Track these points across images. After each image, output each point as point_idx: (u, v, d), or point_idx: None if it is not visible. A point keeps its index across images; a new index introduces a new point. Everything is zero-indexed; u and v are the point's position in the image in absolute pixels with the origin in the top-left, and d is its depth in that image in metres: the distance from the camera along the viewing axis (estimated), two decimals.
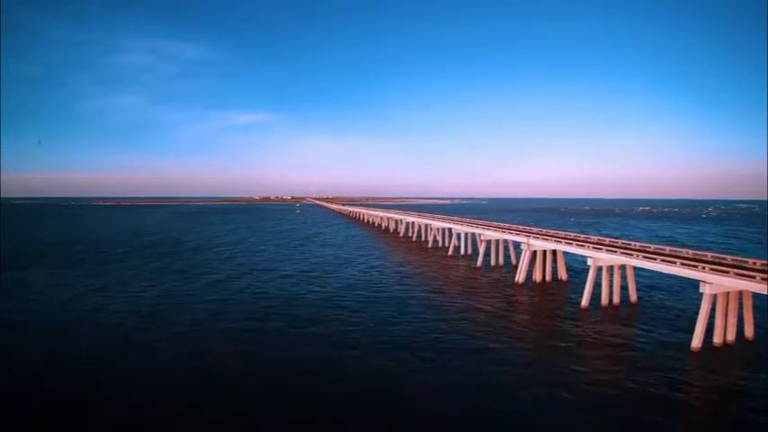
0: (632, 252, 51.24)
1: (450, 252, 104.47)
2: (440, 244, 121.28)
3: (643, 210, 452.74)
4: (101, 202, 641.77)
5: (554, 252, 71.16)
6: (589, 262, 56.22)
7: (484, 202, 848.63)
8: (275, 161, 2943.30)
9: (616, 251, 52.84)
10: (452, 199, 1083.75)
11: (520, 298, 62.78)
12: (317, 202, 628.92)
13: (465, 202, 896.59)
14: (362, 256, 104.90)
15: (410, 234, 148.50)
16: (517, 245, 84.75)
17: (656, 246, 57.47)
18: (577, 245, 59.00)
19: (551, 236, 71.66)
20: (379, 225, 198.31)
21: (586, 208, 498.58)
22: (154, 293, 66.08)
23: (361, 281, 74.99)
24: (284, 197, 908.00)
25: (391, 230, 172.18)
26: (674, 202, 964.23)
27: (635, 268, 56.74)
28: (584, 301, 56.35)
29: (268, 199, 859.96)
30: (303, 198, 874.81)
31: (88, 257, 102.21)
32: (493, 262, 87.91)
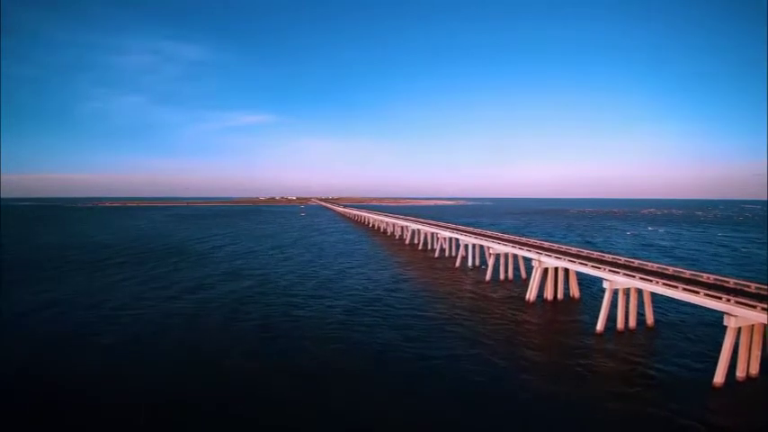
0: (652, 278, 49.38)
1: (457, 263, 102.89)
2: (447, 254, 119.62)
3: (647, 212, 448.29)
4: (107, 203, 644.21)
5: (566, 269, 69.39)
6: (605, 285, 54.52)
7: (488, 203, 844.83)
8: (280, 162, 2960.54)
9: (634, 276, 51.05)
10: (457, 200, 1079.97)
11: (531, 319, 61.09)
12: (322, 203, 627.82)
13: (470, 202, 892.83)
14: (365, 265, 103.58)
15: (416, 242, 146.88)
16: (527, 259, 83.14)
17: (675, 269, 55.55)
18: (593, 266, 57.22)
19: (563, 253, 69.92)
20: (385, 231, 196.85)
21: (589, 209, 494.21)
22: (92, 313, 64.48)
23: (359, 294, 73.85)
24: (289, 198, 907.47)
25: (397, 237, 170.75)
26: (680, 202, 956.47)
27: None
28: (600, 326, 54.61)
29: (273, 200, 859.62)
30: (308, 199, 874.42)
31: (61, 267, 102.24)
32: (502, 276, 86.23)
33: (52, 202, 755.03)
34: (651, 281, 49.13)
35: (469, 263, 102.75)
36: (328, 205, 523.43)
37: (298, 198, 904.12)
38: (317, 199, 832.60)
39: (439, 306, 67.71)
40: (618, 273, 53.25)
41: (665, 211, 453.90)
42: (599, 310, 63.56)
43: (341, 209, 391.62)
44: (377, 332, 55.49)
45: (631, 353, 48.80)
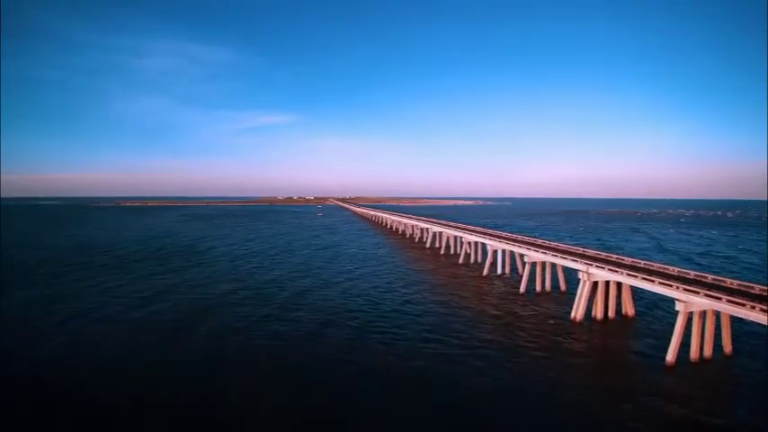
0: (744, 301, 39.21)
1: (485, 272, 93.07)
2: (472, 260, 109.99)
3: (673, 212, 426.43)
4: (128, 203, 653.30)
5: (619, 282, 59.23)
6: (678, 307, 44.52)
7: (507, 203, 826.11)
8: (298, 161, 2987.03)
9: (720, 298, 40.89)
10: (476, 200, 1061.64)
11: (581, 345, 51.24)
12: (340, 203, 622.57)
13: (489, 203, 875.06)
14: (377, 271, 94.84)
15: (437, 246, 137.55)
16: (568, 269, 73.23)
17: (761, 287, 45.20)
18: (662, 283, 46.99)
19: (618, 264, 59.76)
20: (403, 232, 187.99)
21: (612, 210, 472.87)
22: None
23: (363, 308, 64.77)
24: (307, 198, 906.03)
25: (416, 239, 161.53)
26: (702, 202, 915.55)
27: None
28: (671, 356, 44.65)
29: (291, 199, 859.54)
30: (326, 198, 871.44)
31: (46, 270, 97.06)
32: (538, 287, 76.13)
33: (77, 202, 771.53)
34: (744, 305, 38.96)
35: (498, 271, 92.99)
36: (345, 205, 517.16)
37: (315, 198, 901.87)
38: (335, 199, 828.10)
39: (462, 325, 58.07)
40: (698, 293, 43.10)
41: (691, 212, 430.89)
42: (660, 332, 54.00)
43: (358, 209, 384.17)
44: (364, 361, 45.98)
45: (715, 389, 39.13)
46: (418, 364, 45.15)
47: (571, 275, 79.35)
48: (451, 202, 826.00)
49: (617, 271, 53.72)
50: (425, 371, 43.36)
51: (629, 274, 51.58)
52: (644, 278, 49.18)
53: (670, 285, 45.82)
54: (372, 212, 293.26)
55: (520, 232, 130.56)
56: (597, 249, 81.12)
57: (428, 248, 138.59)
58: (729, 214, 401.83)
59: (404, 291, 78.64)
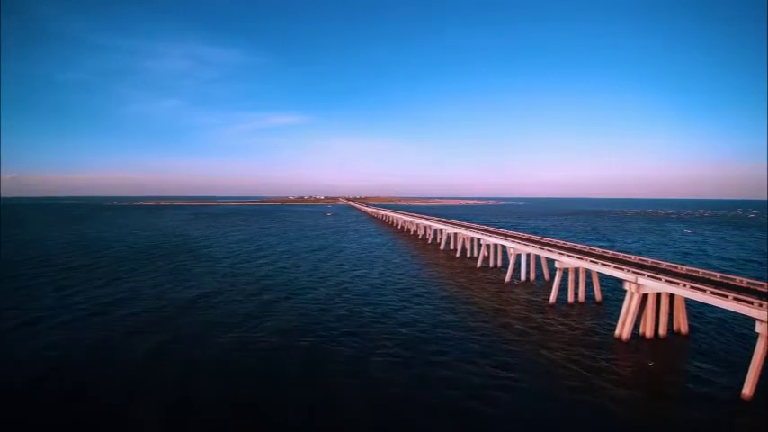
0: None
1: (507, 278, 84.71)
2: (491, 264, 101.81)
3: (700, 212, 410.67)
4: (141, 203, 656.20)
5: (671, 294, 50.75)
6: (759, 328, 36.17)
7: (521, 204, 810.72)
8: (309, 161, 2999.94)
9: None
10: (488, 200, 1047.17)
11: (631, 374, 42.99)
12: (350, 203, 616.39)
13: (502, 202, 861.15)
14: (385, 274, 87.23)
15: (452, 248, 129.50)
16: (603, 276, 64.89)
17: None
18: (737, 299, 38.47)
19: (666, 271, 51.31)
20: (415, 233, 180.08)
21: (632, 210, 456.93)
22: None
23: (368, 316, 57.28)
24: (317, 197, 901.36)
25: (429, 241, 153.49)
26: (708, 202, 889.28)
27: None
28: (748, 389, 36.43)
29: (302, 199, 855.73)
30: (336, 198, 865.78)
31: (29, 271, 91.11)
32: (570, 298, 67.52)
33: (91, 201, 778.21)
34: None
35: (522, 277, 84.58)
36: (356, 205, 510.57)
37: (326, 198, 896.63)
38: (345, 198, 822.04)
39: (479, 346, 50.12)
40: None
41: (709, 213, 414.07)
42: (722, 354, 45.71)
43: (368, 209, 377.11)
44: (350, 387, 38.52)
45: None
46: (417, 396, 37.15)
47: (607, 284, 71.03)
48: (464, 202, 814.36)
49: (677, 283, 45.05)
50: (423, 408, 35.16)
51: (693, 287, 42.92)
52: (713, 292, 40.56)
53: (750, 303, 37.29)
54: (383, 212, 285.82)
55: (536, 233, 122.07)
56: (626, 252, 72.45)
57: (442, 251, 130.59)
58: (750, 215, 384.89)
59: (411, 299, 70.85)
